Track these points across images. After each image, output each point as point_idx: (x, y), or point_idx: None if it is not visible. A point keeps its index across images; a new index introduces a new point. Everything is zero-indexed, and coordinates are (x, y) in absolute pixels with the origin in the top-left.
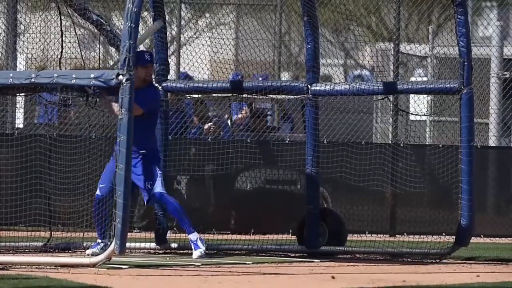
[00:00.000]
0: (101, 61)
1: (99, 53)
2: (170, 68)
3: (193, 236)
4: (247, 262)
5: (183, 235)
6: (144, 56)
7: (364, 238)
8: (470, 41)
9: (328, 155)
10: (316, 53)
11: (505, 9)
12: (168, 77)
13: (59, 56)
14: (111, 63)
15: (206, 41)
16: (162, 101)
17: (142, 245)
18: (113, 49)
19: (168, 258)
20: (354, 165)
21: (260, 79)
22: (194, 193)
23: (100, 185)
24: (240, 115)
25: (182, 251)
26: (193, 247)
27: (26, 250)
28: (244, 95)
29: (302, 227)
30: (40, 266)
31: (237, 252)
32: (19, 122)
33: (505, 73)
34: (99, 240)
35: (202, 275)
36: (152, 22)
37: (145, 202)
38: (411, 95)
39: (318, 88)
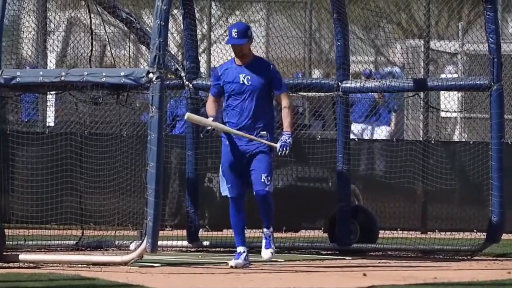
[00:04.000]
0: (131, 59)
1: (129, 51)
2: (201, 66)
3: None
4: (278, 260)
5: (214, 233)
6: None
7: (396, 235)
8: (499, 38)
9: (359, 152)
10: (346, 50)
11: None
12: (199, 75)
13: (89, 54)
14: (142, 61)
15: None
16: (194, 99)
17: (174, 243)
18: (144, 47)
19: (200, 256)
20: (385, 162)
21: (300, 76)
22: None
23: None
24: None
25: (214, 249)
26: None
27: (58, 249)
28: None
29: (334, 224)
30: (72, 265)
31: None
32: (50, 120)
33: None
34: (241, 249)
35: (234, 272)
36: (182, 20)
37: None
38: (442, 92)
39: (348, 85)
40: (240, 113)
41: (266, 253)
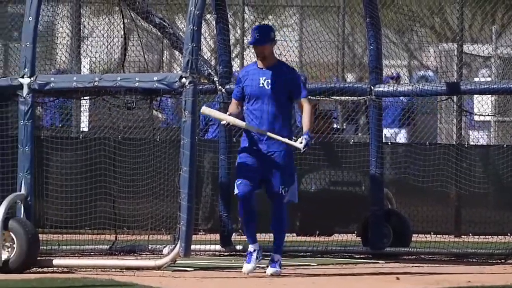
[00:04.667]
0: (164, 64)
1: (162, 56)
2: (234, 70)
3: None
4: (311, 264)
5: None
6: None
7: (429, 239)
8: None
9: (392, 156)
10: (379, 54)
11: None
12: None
13: (122, 60)
14: (175, 66)
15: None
16: (226, 104)
17: (207, 247)
18: (177, 52)
19: (233, 260)
20: (419, 166)
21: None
22: (259, 196)
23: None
24: None
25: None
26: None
27: (92, 253)
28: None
29: (367, 228)
30: (106, 269)
31: (301, 254)
32: (84, 126)
33: None
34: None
35: (267, 277)
36: (215, 25)
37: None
38: (475, 96)
39: (381, 89)
40: (259, 117)
41: (270, 270)
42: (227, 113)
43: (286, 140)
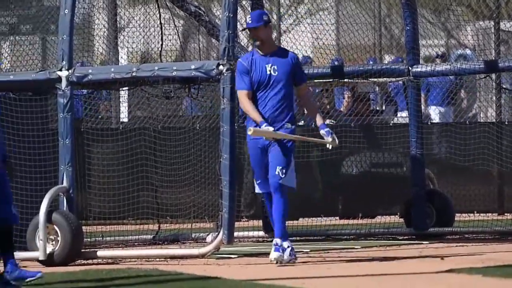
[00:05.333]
0: (202, 52)
1: (199, 44)
2: None
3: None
4: (355, 247)
5: (290, 222)
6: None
7: (472, 218)
8: None
9: (432, 136)
10: (415, 34)
11: None
12: None
13: (159, 49)
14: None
15: (306, 27)
16: None
17: (250, 233)
18: (214, 40)
19: None
20: (459, 145)
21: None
22: (301, 180)
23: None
24: (345, 103)
25: (290, 238)
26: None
27: (136, 244)
28: (345, 80)
29: (409, 209)
30: (150, 259)
31: (345, 237)
32: (124, 116)
33: None
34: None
35: (311, 261)
36: (250, 11)
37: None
38: None
39: (419, 69)
40: (265, 104)
41: (273, 254)
42: (259, 121)
43: (315, 140)
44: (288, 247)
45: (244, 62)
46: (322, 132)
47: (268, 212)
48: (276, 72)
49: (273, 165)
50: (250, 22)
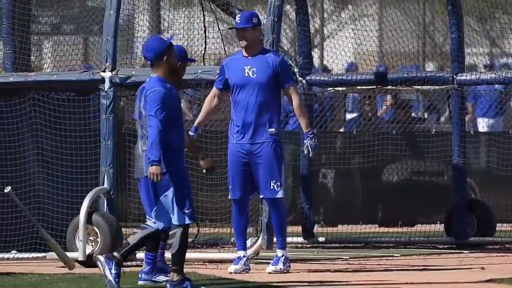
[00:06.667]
0: None
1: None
2: (314, 61)
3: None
4: (395, 255)
5: (329, 228)
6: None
7: None
8: None
9: (475, 145)
10: (461, 42)
11: None
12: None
13: (203, 52)
14: None
15: (349, 33)
16: (307, 95)
17: (289, 239)
18: None
19: (316, 252)
20: (502, 154)
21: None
22: (341, 187)
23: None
24: (384, 107)
25: (329, 245)
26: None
27: None
28: (388, 87)
29: (450, 218)
30: (189, 262)
31: (384, 245)
32: None
33: None
34: (242, 253)
35: (350, 268)
36: (295, 16)
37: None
38: None
39: (463, 77)
40: (245, 108)
41: (270, 268)
42: (195, 124)
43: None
44: (283, 256)
45: (223, 62)
46: (305, 141)
47: (235, 219)
48: (255, 75)
49: (264, 179)
50: (238, 22)
